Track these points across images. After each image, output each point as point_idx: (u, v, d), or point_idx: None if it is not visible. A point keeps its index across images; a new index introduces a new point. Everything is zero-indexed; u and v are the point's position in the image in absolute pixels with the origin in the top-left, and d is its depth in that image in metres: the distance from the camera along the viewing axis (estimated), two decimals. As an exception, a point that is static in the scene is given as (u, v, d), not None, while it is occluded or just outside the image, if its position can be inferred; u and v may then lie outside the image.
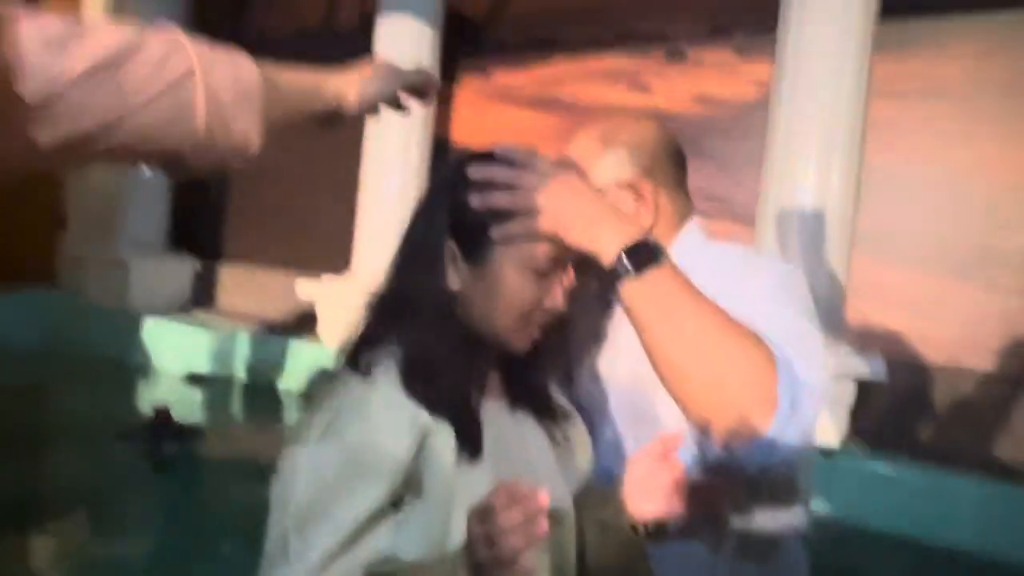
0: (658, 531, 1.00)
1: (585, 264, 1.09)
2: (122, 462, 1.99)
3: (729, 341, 0.80)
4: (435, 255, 0.86)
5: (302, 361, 2.94)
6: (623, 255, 0.80)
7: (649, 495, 0.92)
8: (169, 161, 0.51)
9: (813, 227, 2.20)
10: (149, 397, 2.88)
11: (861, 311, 2.45)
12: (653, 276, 0.80)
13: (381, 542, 0.78)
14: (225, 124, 0.50)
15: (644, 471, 0.94)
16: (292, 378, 2.96)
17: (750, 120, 2.80)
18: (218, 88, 0.52)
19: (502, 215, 0.84)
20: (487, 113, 3.52)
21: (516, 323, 0.86)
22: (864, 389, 2.14)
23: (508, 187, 0.83)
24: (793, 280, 1.02)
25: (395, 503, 0.79)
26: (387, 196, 2.95)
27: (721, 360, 0.79)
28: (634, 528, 0.96)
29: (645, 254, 0.81)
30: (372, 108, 0.75)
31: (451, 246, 0.86)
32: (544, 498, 0.65)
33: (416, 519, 0.79)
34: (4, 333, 3.36)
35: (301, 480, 0.77)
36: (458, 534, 0.76)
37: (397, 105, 0.79)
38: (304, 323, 3.34)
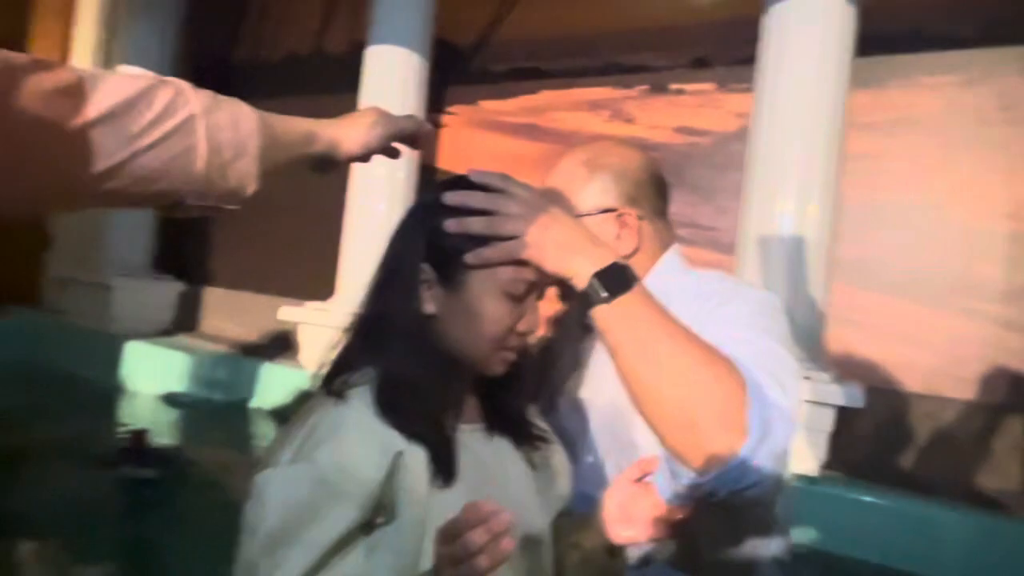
0: (640, 558, 0.99)
1: (566, 291, 1.10)
2: (98, 485, 1.94)
3: (699, 366, 0.80)
4: (411, 279, 0.86)
5: (284, 385, 2.92)
6: (595, 280, 0.81)
7: (628, 520, 0.93)
8: (167, 203, 0.53)
9: (792, 256, 2.22)
10: (128, 419, 2.84)
11: (841, 339, 2.47)
12: (625, 301, 0.81)
13: (352, 566, 0.77)
14: (224, 168, 0.52)
15: (624, 496, 0.94)
16: (272, 402, 2.94)
17: (731, 150, 2.84)
18: (218, 133, 0.54)
19: (477, 240, 0.85)
20: (473, 140, 3.56)
21: (491, 347, 0.86)
22: (844, 417, 2.15)
23: (483, 212, 0.83)
24: (769, 307, 1.02)
25: (367, 527, 0.79)
26: (372, 223, 2.95)
27: (691, 384, 0.79)
28: (612, 553, 0.95)
29: (617, 279, 0.82)
30: (365, 155, 0.78)
31: (427, 271, 0.87)
32: (507, 517, 0.65)
33: (388, 543, 0.79)
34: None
35: (271, 503, 0.77)
36: (430, 559, 0.75)
37: (389, 152, 0.81)
38: (286, 348, 3.32)
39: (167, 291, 3.78)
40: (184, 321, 3.84)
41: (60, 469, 2.19)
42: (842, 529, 1.86)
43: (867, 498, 1.96)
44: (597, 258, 0.83)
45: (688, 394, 0.79)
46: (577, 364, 1.20)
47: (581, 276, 0.82)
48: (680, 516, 0.93)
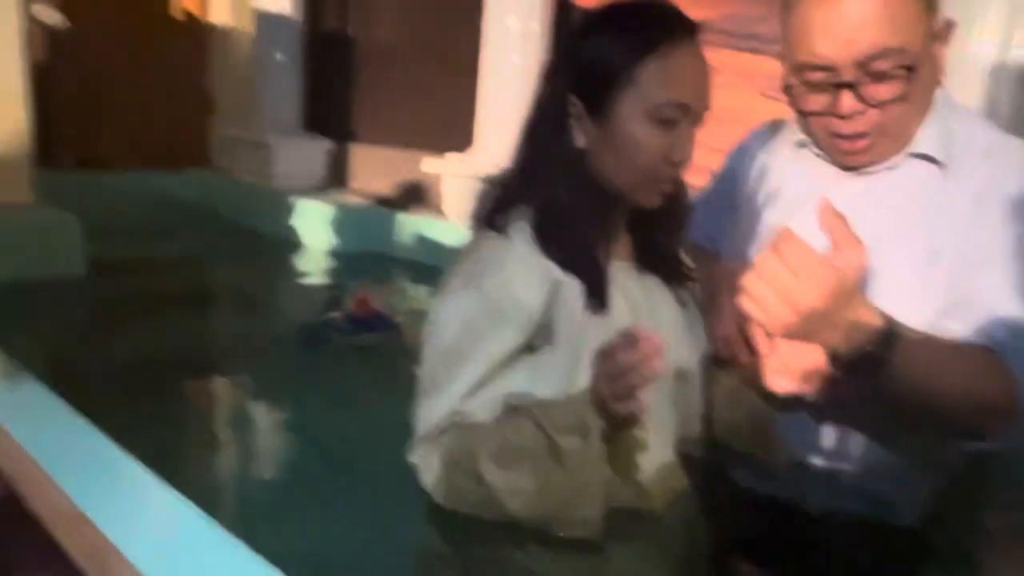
0: (789, 402, 1.00)
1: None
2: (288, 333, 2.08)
3: (967, 372, 0.80)
4: (561, 114, 0.87)
5: (432, 235, 3.08)
6: (863, 359, 0.77)
7: (785, 371, 0.91)
8: None
9: (995, 94, 1.90)
10: (301, 269, 3.15)
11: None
12: (896, 364, 0.77)
13: (518, 380, 0.86)
14: None
15: (786, 346, 0.91)
16: (422, 251, 3.12)
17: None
18: None
19: (619, 70, 0.81)
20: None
21: (644, 177, 0.86)
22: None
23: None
24: None
25: (529, 348, 0.87)
26: (508, 72, 2.92)
27: (964, 391, 0.81)
28: (765, 397, 0.97)
29: (881, 347, 0.76)
30: None
31: (576, 103, 0.86)
32: (658, 341, 0.70)
33: (548, 363, 0.86)
34: (170, 209, 3.76)
35: (447, 324, 0.86)
36: (586, 378, 0.81)
37: None
38: (429, 199, 3.47)
39: (318, 148, 3.99)
40: (335, 177, 4.07)
41: (243, 312, 2.47)
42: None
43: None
44: (856, 336, 0.76)
45: (968, 402, 0.81)
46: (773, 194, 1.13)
47: (843, 353, 0.78)
48: (840, 382, 0.92)
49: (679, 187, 0.92)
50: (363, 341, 1.89)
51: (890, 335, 0.76)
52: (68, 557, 0.57)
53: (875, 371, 0.77)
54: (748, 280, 0.73)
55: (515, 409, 0.84)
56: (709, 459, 1.00)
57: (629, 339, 0.70)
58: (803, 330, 0.73)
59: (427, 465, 0.86)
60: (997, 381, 0.79)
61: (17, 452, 0.77)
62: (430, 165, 3.13)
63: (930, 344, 0.80)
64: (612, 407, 0.72)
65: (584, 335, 0.85)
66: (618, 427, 0.77)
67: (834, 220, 0.72)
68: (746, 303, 0.74)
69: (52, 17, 2.96)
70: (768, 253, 0.71)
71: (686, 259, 1.03)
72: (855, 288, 0.72)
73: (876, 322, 0.76)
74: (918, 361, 0.77)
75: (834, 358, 0.80)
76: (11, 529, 0.61)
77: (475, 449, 0.80)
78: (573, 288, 0.85)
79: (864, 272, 0.73)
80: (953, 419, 0.83)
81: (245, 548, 0.65)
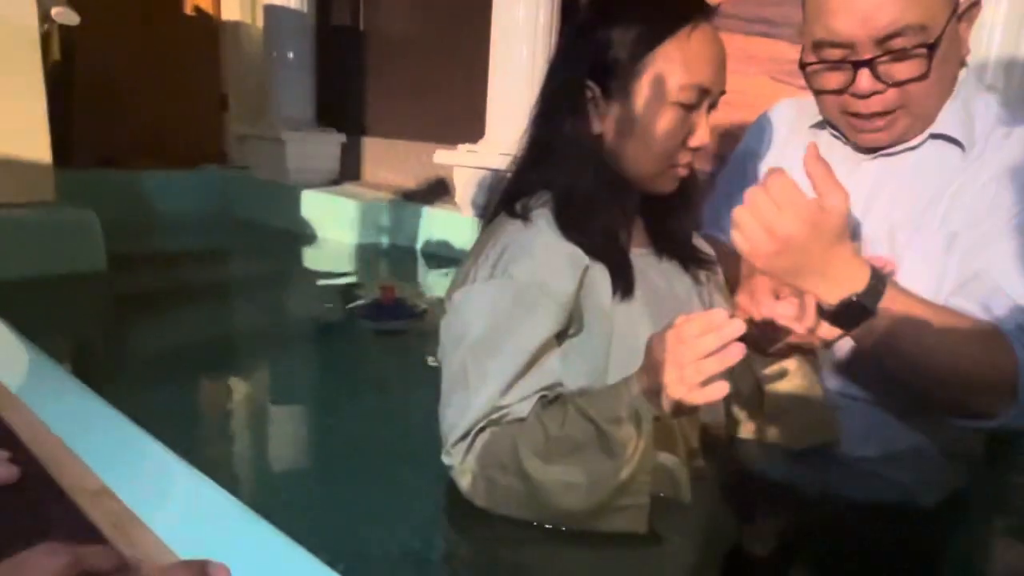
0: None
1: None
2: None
3: (963, 342, 0.79)
4: (576, 99, 0.86)
5: (444, 227, 3.10)
6: (847, 308, 0.77)
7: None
8: None
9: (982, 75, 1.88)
10: (315, 262, 3.18)
11: None
12: (884, 312, 0.76)
13: (550, 371, 0.84)
14: None
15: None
16: (435, 243, 3.14)
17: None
18: None
19: (640, 47, 0.82)
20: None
21: (661, 162, 0.86)
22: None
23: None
24: None
25: (559, 336, 0.85)
26: (517, 63, 2.91)
27: (958, 361, 0.79)
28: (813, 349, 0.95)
29: (866, 296, 0.76)
30: None
31: (592, 88, 0.86)
32: (739, 323, 0.67)
33: (579, 351, 0.85)
34: (187, 206, 3.81)
35: (476, 315, 0.83)
36: (616, 365, 0.82)
37: None
38: (443, 192, 3.48)
39: (331, 143, 4.02)
40: (349, 171, 4.10)
41: (262, 303, 2.51)
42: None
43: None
44: (845, 285, 0.76)
45: (955, 369, 0.80)
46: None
47: (830, 301, 0.78)
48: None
49: (694, 172, 0.93)
50: (389, 327, 1.94)
51: (877, 286, 0.76)
52: (95, 526, 0.59)
53: (860, 321, 0.77)
54: (736, 212, 0.74)
55: (554, 401, 0.81)
56: (726, 445, 0.99)
57: (704, 325, 0.66)
58: (785, 264, 0.73)
59: (463, 467, 0.81)
60: (996, 358, 0.78)
61: (44, 433, 0.80)
62: (442, 156, 3.14)
63: (925, 308, 0.79)
64: (681, 397, 0.69)
65: (611, 321, 0.84)
66: (677, 415, 0.74)
67: (817, 166, 0.72)
68: (734, 235, 0.75)
69: (70, 18, 3.00)
70: (757, 187, 0.73)
71: (702, 244, 1.04)
72: (837, 230, 0.72)
73: (862, 271, 0.76)
74: (907, 320, 0.77)
75: (821, 309, 0.79)
76: (40, 502, 0.64)
77: (517, 446, 0.76)
78: (600, 274, 0.85)
79: (846, 218, 0.73)
80: (946, 391, 0.81)
81: (260, 518, 0.67)
